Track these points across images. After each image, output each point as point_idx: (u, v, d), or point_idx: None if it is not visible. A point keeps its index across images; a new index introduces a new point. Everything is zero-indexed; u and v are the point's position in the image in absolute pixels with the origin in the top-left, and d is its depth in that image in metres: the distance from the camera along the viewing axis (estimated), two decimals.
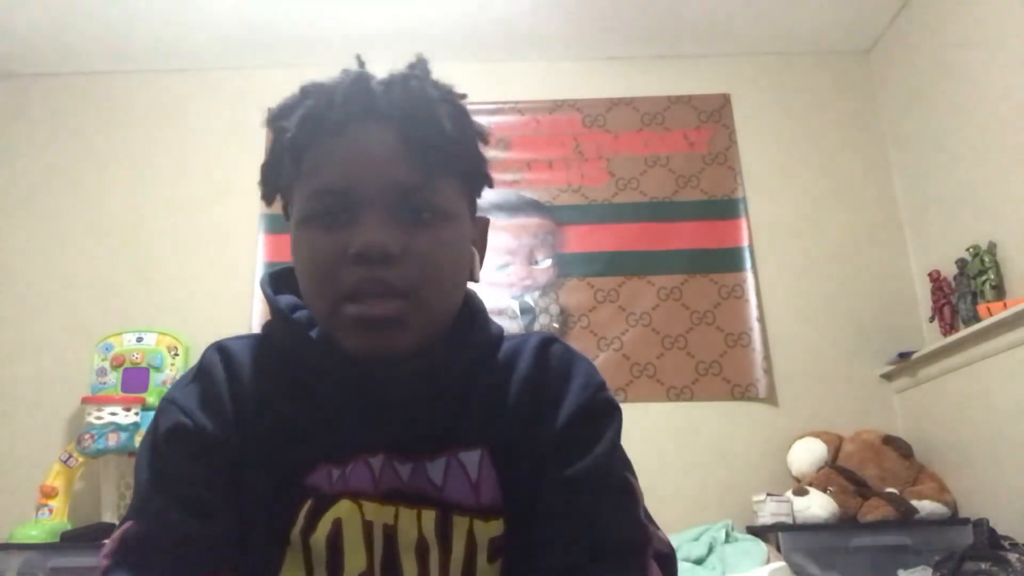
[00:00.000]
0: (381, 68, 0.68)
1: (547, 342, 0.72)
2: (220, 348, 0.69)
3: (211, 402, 0.65)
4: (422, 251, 0.63)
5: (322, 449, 0.65)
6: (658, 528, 0.69)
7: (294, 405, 0.66)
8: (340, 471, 0.64)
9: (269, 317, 0.71)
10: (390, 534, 0.64)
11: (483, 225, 0.75)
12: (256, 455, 0.64)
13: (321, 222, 0.63)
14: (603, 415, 0.69)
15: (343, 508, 0.63)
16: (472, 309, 0.72)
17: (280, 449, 0.64)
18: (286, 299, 0.70)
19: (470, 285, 0.71)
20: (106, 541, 0.64)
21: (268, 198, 0.70)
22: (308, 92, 0.66)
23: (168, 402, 0.66)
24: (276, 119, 0.67)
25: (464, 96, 0.69)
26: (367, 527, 0.64)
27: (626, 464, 0.70)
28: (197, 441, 0.64)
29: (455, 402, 0.68)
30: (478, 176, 0.70)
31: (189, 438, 0.64)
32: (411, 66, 0.67)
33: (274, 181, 0.69)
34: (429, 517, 0.64)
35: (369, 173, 0.63)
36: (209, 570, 0.61)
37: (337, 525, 0.63)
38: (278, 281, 0.72)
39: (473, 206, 0.72)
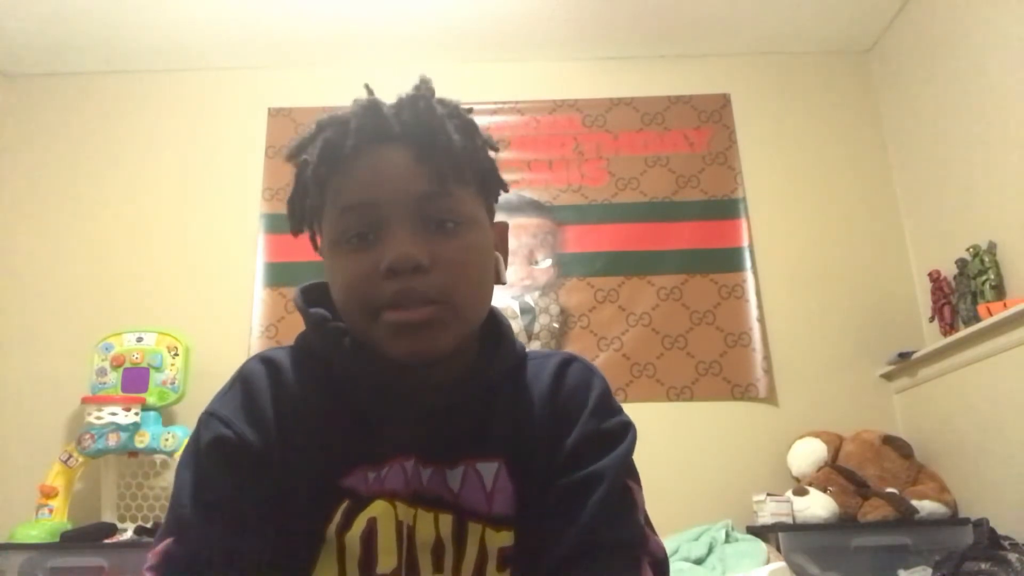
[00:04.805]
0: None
1: (566, 362, 0.76)
2: (263, 359, 0.71)
3: (253, 410, 0.67)
4: (450, 258, 0.66)
5: (360, 452, 0.67)
6: (655, 533, 0.71)
7: (334, 410, 0.68)
8: (376, 473, 0.67)
9: (303, 328, 0.74)
10: (410, 534, 0.67)
11: (502, 229, 0.77)
12: (297, 459, 0.67)
13: (351, 244, 0.67)
14: (612, 439, 0.72)
15: (378, 508, 0.66)
16: (500, 326, 0.76)
17: (320, 453, 0.67)
18: (318, 312, 0.73)
19: (498, 290, 0.75)
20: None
21: (296, 230, 0.73)
22: (323, 125, 0.69)
23: (209, 415, 0.68)
24: (296, 153, 0.71)
25: (470, 110, 0.73)
26: (399, 527, 0.67)
27: (630, 472, 0.72)
28: (239, 452, 0.66)
29: (479, 414, 0.71)
30: (491, 182, 0.74)
31: (231, 449, 0.66)
32: (417, 87, 0.70)
33: (300, 212, 0.73)
34: (446, 521, 0.68)
35: (388, 188, 0.66)
36: None
37: (372, 524, 0.66)
38: (308, 295, 0.75)
39: (491, 212, 0.75)
